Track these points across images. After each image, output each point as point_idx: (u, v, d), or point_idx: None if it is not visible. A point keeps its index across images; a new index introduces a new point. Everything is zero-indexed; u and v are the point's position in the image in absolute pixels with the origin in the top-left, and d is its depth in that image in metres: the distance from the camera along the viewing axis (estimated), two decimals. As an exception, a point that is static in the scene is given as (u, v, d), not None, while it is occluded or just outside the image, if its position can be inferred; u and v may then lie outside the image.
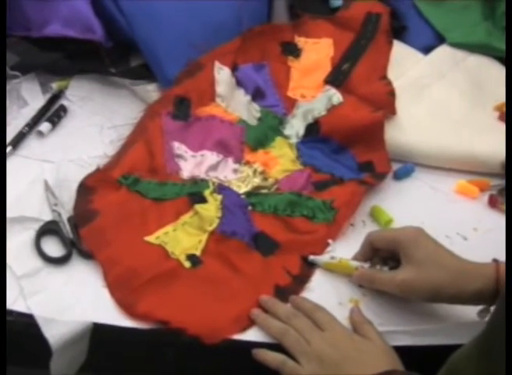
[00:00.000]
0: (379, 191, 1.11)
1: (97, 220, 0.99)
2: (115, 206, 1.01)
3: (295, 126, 1.19)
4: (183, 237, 0.99)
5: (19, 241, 0.96)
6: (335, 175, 1.12)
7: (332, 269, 0.99)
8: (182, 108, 1.17)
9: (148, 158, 1.09)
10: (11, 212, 0.97)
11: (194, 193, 1.05)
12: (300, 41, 1.33)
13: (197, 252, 0.98)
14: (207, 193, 1.05)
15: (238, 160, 1.13)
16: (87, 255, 0.95)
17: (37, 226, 0.98)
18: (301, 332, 0.88)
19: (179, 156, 1.11)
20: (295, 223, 1.04)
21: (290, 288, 0.96)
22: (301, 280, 0.97)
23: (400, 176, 1.14)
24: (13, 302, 0.89)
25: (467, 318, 0.93)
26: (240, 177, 1.11)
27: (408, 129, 1.18)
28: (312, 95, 1.23)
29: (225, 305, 0.92)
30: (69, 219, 0.99)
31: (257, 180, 1.10)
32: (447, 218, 1.09)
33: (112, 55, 1.23)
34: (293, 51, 1.31)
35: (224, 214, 1.02)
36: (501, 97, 1.23)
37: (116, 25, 1.22)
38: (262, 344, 0.89)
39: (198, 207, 1.02)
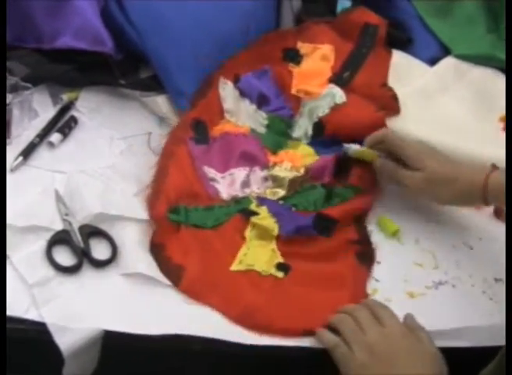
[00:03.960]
0: (386, 201, 1.13)
1: (186, 273, 0.98)
2: (191, 253, 1.00)
3: (303, 127, 1.21)
4: (259, 252, 1.01)
5: (30, 250, 0.96)
6: None
7: (359, 157, 1.11)
8: (200, 131, 1.18)
9: (186, 184, 1.09)
10: (22, 221, 0.98)
11: (242, 209, 1.06)
12: (303, 46, 1.34)
13: (280, 260, 1.01)
14: (253, 207, 1.07)
15: (265, 165, 1.15)
16: (97, 264, 0.96)
17: (48, 235, 0.98)
18: (361, 323, 0.89)
19: (213, 180, 1.12)
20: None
21: (364, 252, 1.04)
22: (364, 241, 1.05)
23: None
24: (26, 311, 0.89)
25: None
26: (273, 184, 1.12)
27: (414, 131, 1.19)
28: (317, 92, 1.25)
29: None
30: (80, 229, 1.00)
31: (290, 174, 1.13)
32: (453, 227, 1.10)
33: (121, 67, 1.23)
34: (294, 57, 1.32)
35: (278, 218, 1.04)
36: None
37: (126, 37, 1.23)
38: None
39: (254, 219, 1.04)
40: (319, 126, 1.20)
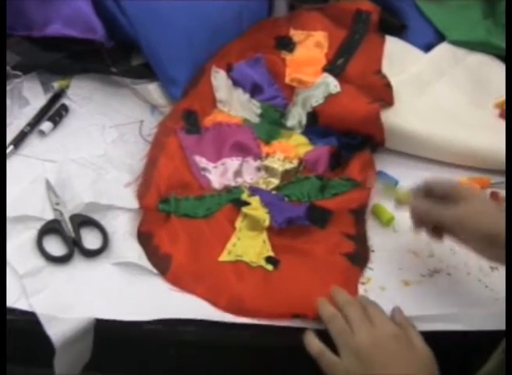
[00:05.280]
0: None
1: (174, 263, 0.97)
2: (180, 242, 0.99)
3: (296, 116, 1.20)
4: (249, 243, 1.00)
5: (21, 240, 0.96)
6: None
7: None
8: (191, 122, 1.16)
9: (177, 174, 1.08)
10: (13, 211, 0.97)
11: (234, 199, 1.05)
12: (296, 34, 1.33)
13: (271, 253, 0.99)
14: (244, 197, 1.06)
15: (258, 156, 1.14)
16: (88, 254, 0.96)
17: (38, 225, 0.98)
18: (350, 321, 0.87)
19: (204, 169, 1.11)
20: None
21: (358, 253, 1.01)
22: (361, 239, 1.03)
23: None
24: (16, 301, 0.89)
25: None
26: (265, 175, 1.12)
27: (409, 118, 1.18)
28: (311, 81, 1.23)
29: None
30: (71, 218, 0.99)
31: (283, 165, 1.12)
32: (448, 215, 1.09)
33: (113, 55, 1.22)
34: (287, 45, 1.31)
35: (270, 209, 1.03)
36: (501, 94, 1.23)
37: (117, 24, 1.22)
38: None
39: (246, 209, 1.03)
40: (313, 116, 1.19)
